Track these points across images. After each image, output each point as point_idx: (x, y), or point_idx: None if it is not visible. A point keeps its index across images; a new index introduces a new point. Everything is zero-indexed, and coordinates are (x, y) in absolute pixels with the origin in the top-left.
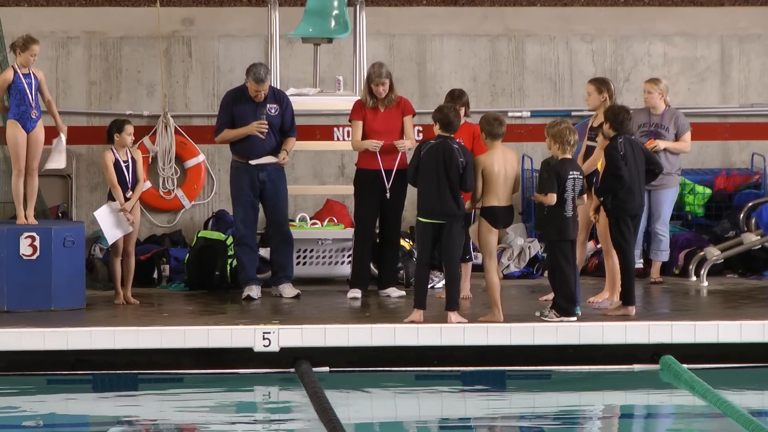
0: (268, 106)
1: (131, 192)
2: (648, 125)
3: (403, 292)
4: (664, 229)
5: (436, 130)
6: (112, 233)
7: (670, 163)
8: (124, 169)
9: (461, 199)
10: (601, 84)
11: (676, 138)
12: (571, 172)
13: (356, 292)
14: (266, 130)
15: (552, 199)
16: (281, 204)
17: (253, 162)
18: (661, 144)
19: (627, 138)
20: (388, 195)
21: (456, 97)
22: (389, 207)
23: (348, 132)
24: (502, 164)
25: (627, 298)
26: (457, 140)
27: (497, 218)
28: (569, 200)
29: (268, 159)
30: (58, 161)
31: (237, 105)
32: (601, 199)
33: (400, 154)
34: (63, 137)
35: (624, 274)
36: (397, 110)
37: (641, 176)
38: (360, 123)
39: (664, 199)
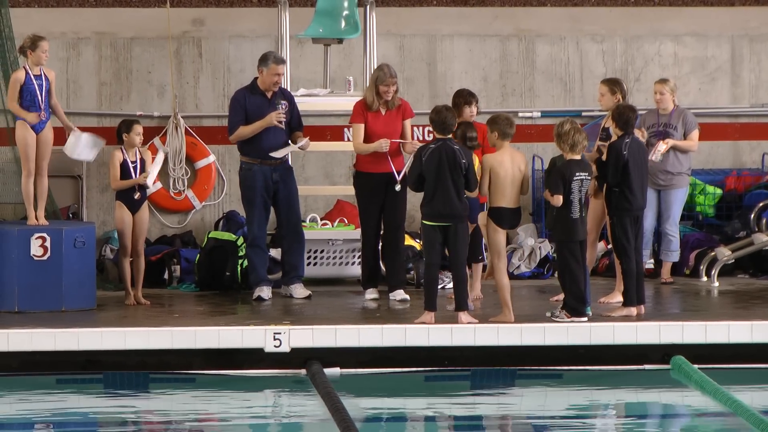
0: (277, 101)
1: (138, 193)
2: (657, 125)
3: (407, 296)
4: (674, 230)
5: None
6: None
7: (680, 163)
8: (132, 169)
9: (465, 200)
10: (614, 85)
11: (684, 137)
12: (577, 174)
13: (373, 293)
14: (285, 119)
15: (558, 200)
16: (294, 203)
17: (277, 155)
18: (669, 142)
19: (633, 138)
20: (398, 187)
21: (471, 95)
22: (390, 210)
23: None
24: (510, 165)
25: (628, 298)
26: None
27: (503, 219)
28: (575, 201)
29: (290, 148)
30: (87, 154)
31: (250, 102)
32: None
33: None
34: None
35: (625, 274)
36: (398, 113)
37: (644, 177)
38: (362, 126)
39: (675, 200)
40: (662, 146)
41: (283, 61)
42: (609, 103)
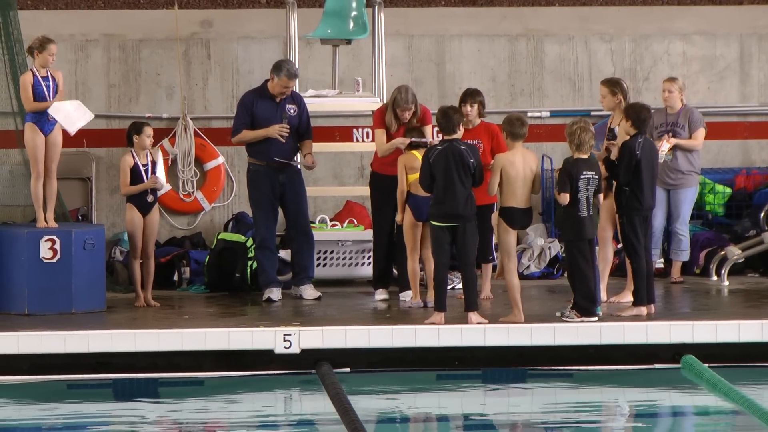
0: (287, 107)
1: (151, 196)
2: (665, 125)
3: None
4: (684, 229)
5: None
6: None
7: (690, 162)
8: (143, 172)
9: (473, 200)
10: (614, 86)
11: (690, 135)
12: (584, 172)
13: (383, 293)
14: (287, 134)
15: (565, 199)
16: (303, 204)
17: (281, 159)
18: (672, 140)
19: (646, 138)
20: None
21: (469, 95)
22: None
23: (367, 133)
24: (521, 165)
25: (638, 298)
26: (475, 141)
27: (514, 219)
28: (583, 200)
29: (298, 161)
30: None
31: (258, 105)
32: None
33: None
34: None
35: (635, 274)
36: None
37: (654, 178)
38: (383, 131)
39: (684, 199)
40: (665, 146)
41: (295, 76)
42: (610, 104)
